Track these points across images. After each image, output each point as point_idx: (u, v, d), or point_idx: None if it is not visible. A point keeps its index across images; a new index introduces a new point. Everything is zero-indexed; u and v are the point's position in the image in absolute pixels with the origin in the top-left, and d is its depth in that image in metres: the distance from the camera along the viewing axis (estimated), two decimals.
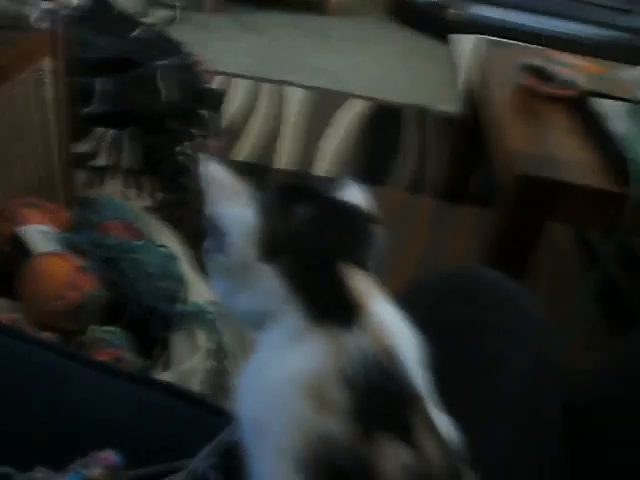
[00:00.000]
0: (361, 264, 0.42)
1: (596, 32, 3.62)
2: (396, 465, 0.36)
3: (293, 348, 0.39)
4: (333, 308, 0.40)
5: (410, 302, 0.76)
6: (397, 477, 0.35)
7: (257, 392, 0.40)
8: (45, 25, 1.08)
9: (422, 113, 2.84)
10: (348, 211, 0.45)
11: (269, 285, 0.41)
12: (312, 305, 0.40)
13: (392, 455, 0.36)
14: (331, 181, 0.48)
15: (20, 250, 1.09)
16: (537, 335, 0.71)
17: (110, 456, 0.52)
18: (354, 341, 0.38)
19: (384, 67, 3.32)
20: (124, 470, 0.52)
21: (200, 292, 1.14)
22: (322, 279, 0.41)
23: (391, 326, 0.40)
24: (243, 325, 0.45)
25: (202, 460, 0.52)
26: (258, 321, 0.42)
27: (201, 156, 0.44)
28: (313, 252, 0.41)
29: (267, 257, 0.41)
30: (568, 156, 1.41)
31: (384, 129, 2.69)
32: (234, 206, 0.43)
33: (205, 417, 0.62)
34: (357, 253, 0.43)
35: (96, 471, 0.51)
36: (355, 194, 0.47)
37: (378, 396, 0.37)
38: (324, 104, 2.78)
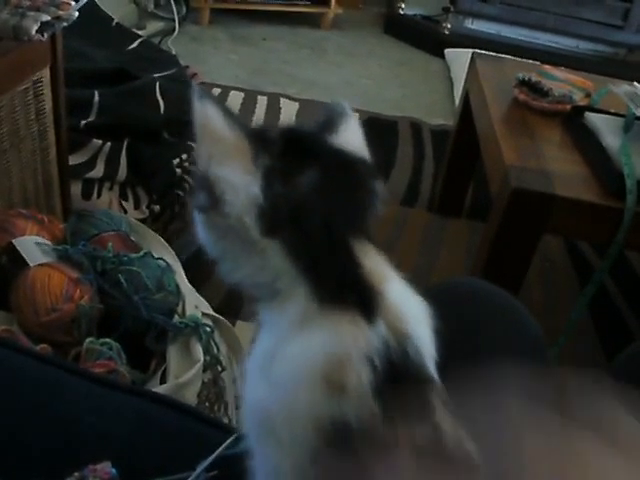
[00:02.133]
0: (369, 233, 0.40)
1: (590, 47, 3.66)
2: (414, 444, 0.35)
3: (306, 332, 0.37)
4: (350, 291, 0.37)
5: None
6: (415, 456, 0.35)
7: (267, 378, 0.37)
8: (45, 37, 1.08)
9: (417, 126, 2.85)
10: (354, 170, 0.42)
11: (274, 262, 0.38)
12: (326, 287, 0.37)
13: (411, 435, 0.35)
14: (330, 110, 0.45)
15: (15, 261, 1.09)
16: (532, 346, 0.72)
17: (106, 469, 0.52)
18: (373, 327, 0.37)
19: (379, 80, 3.33)
20: None
21: (196, 305, 1.14)
22: (335, 257, 0.38)
23: (407, 309, 0.39)
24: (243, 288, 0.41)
25: (200, 473, 0.52)
26: (260, 292, 0.40)
27: (195, 88, 0.40)
28: (322, 226, 0.38)
29: (271, 231, 0.38)
30: (563, 170, 1.41)
31: (379, 142, 2.68)
32: (235, 171, 0.38)
33: (202, 430, 0.61)
34: (365, 221, 0.40)
35: None
36: (353, 128, 0.46)
37: (396, 380, 0.36)
38: (319, 117, 2.79)
